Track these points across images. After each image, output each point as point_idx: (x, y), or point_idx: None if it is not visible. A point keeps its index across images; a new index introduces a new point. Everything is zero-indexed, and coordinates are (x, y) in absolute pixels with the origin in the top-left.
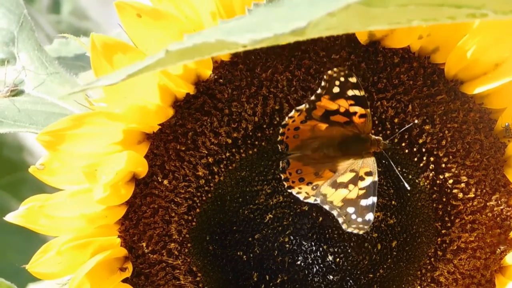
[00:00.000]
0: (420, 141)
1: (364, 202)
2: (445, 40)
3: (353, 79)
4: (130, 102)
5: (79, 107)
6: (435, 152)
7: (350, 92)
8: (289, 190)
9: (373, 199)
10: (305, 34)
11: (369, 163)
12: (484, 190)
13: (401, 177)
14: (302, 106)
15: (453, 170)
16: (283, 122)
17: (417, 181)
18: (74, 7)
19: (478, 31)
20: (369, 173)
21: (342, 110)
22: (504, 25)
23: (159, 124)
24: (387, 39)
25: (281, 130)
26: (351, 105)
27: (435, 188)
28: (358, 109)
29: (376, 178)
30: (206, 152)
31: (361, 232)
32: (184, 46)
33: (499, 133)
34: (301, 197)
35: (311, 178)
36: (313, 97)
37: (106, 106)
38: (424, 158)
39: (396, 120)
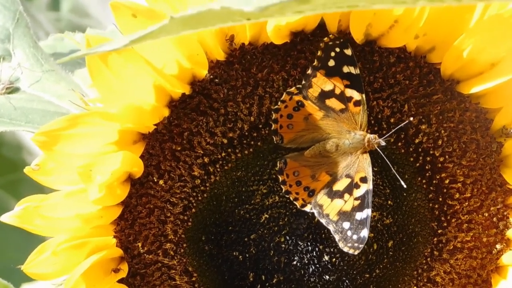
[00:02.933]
0: (416, 141)
1: (359, 216)
2: (441, 40)
3: (348, 51)
4: (126, 102)
5: (75, 105)
6: (431, 152)
7: (345, 69)
8: (286, 196)
9: (367, 212)
10: (311, 0)
11: (365, 166)
12: (481, 190)
13: (398, 176)
14: (293, 89)
15: (449, 169)
16: (275, 107)
17: (413, 181)
18: (74, 5)
19: (474, 31)
20: (364, 179)
21: (337, 91)
22: (500, 25)
23: (155, 124)
24: (383, 39)
25: (274, 116)
26: (346, 86)
27: (431, 187)
28: (353, 94)
29: (371, 187)
30: (202, 152)
31: (356, 252)
32: (189, 13)
33: (495, 132)
34: (298, 204)
35: (308, 181)
36: (309, 71)
37: (102, 106)
38: (421, 158)
39: (392, 120)
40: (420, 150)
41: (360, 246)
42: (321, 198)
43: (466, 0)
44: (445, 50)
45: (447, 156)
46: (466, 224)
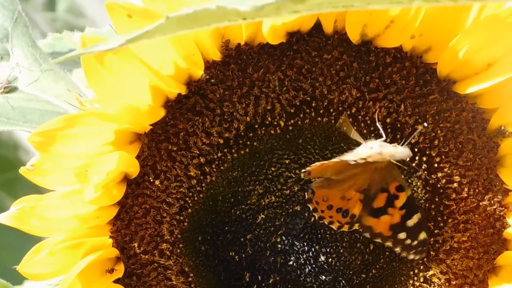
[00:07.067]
0: (413, 140)
1: (410, 222)
2: (437, 40)
3: None
4: (122, 103)
5: (72, 106)
6: (427, 152)
7: None
8: (320, 221)
9: (417, 216)
10: (307, 0)
11: (395, 175)
12: (477, 190)
13: (426, 177)
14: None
15: (445, 169)
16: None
17: (409, 181)
18: (70, 5)
19: (470, 31)
20: (400, 188)
21: None
22: (497, 25)
23: (151, 124)
24: (379, 39)
25: (302, 175)
26: None
27: (427, 188)
28: None
29: (410, 192)
30: (198, 152)
31: (423, 256)
32: (184, 13)
33: (492, 132)
34: (334, 227)
35: (339, 203)
36: None
37: (98, 106)
38: (417, 158)
39: (388, 120)
40: (416, 150)
41: (424, 249)
42: (366, 219)
43: (462, 0)
44: (441, 50)
45: (443, 156)
46: (463, 224)
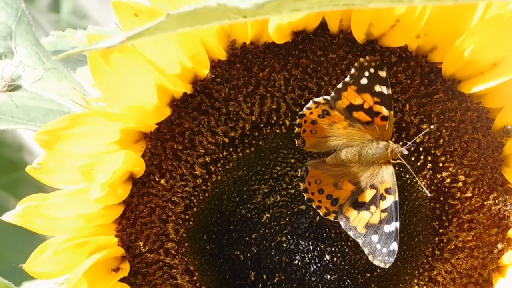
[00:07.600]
0: (418, 140)
1: (387, 228)
2: (442, 39)
3: (382, 73)
4: (128, 102)
5: (77, 104)
6: (432, 151)
7: (377, 88)
8: (309, 204)
9: (395, 225)
10: None
11: (389, 177)
12: (482, 189)
13: (423, 187)
14: (320, 99)
15: (450, 169)
16: (300, 112)
17: (414, 180)
18: (74, 6)
19: (475, 30)
20: (389, 190)
21: (366, 106)
22: (502, 25)
23: (156, 123)
24: (385, 38)
25: (297, 121)
26: (375, 102)
27: (432, 187)
28: (381, 109)
29: (397, 198)
30: (203, 151)
31: (386, 266)
32: (185, 10)
33: (496, 132)
34: (321, 212)
35: (330, 189)
36: (340, 85)
37: (104, 105)
38: (422, 157)
39: (393, 119)
40: (421, 149)
41: (391, 259)
42: (347, 209)
43: None
44: (446, 50)
45: (448, 156)
46: (468, 224)
